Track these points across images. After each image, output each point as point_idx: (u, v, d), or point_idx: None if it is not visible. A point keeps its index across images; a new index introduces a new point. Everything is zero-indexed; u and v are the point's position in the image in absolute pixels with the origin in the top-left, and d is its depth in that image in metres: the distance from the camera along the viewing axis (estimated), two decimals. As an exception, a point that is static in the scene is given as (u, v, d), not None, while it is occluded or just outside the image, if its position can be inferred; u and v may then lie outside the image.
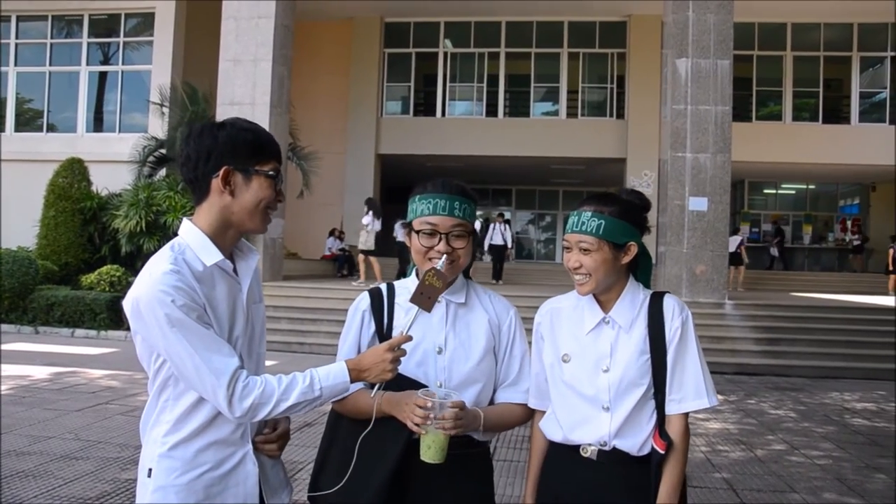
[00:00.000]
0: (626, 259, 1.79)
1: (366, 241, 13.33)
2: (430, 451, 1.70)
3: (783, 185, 24.05)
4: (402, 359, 1.71)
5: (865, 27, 19.45)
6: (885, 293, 16.32)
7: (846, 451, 5.67)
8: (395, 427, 1.72)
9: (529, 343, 1.94)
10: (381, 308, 1.88)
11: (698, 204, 11.49)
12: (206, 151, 1.57)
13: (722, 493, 4.49)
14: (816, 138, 19.03)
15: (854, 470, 5.14)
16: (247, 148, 1.59)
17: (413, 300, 1.68)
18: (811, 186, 23.93)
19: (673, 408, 1.78)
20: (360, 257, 13.71)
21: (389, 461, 1.72)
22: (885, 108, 19.81)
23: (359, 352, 1.85)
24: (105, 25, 17.65)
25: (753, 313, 11.34)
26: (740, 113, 17.58)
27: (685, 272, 11.39)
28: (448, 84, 20.66)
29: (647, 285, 1.88)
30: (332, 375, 1.58)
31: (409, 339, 1.65)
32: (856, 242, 21.16)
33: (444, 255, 1.76)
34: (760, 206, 24.13)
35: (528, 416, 1.91)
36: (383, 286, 1.94)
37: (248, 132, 1.61)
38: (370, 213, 13.37)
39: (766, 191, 24.19)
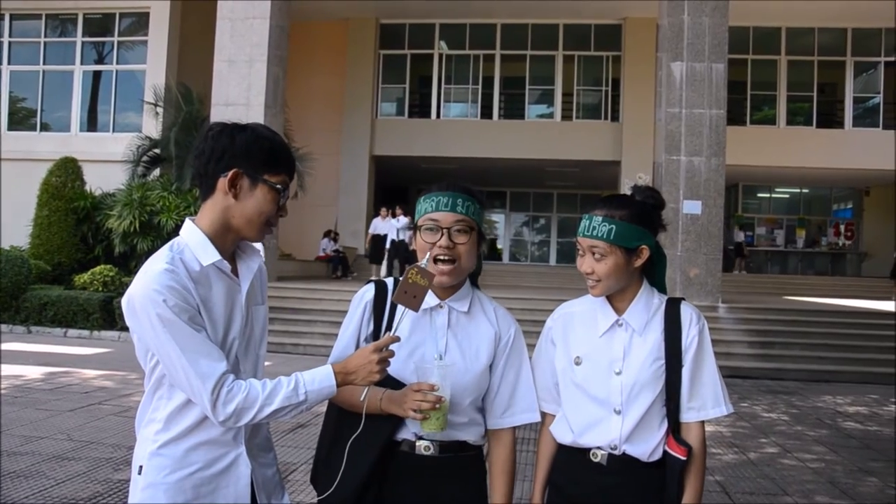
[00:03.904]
0: (639, 262, 1.79)
1: None
2: (432, 421, 1.66)
3: (777, 189, 24.13)
4: (399, 364, 1.69)
5: (859, 32, 19.54)
6: (879, 297, 16.40)
7: (838, 455, 5.69)
8: (375, 430, 1.70)
9: (530, 352, 1.91)
10: (383, 301, 1.85)
11: (692, 207, 11.51)
12: (221, 150, 1.58)
13: (715, 495, 4.50)
14: (810, 142, 19.11)
15: (846, 473, 5.16)
16: (261, 155, 1.59)
17: (397, 299, 1.64)
18: (805, 190, 24.02)
19: (692, 415, 1.80)
20: None
21: (364, 465, 1.71)
22: (878, 112, 19.91)
23: (358, 342, 1.84)
24: (99, 25, 17.57)
25: (747, 317, 11.37)
26: (735, 116, 17.60)
27: (679, 275, 11.40)
28: (443, 86, 20.64)
29: (662, 283, 1.88)
30: (317, 380, 1.56)
31: (397, 339, 1.62)
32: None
33: (429, 253, 1.73)
34: (754, 209, 24.20)
35: (514, 443, 1.85)
36: (390, 280, 1.90)
37: (266, 140, 1.61)
38: None
39: (760, 194, 24.25)
